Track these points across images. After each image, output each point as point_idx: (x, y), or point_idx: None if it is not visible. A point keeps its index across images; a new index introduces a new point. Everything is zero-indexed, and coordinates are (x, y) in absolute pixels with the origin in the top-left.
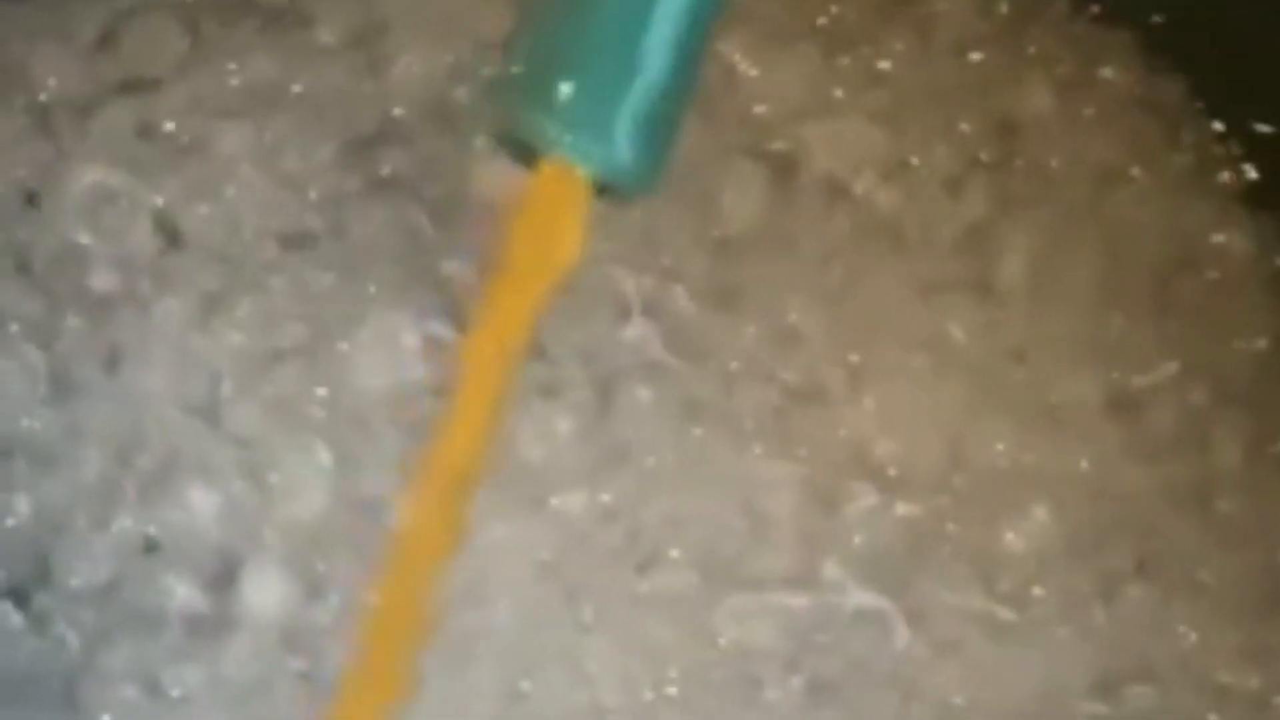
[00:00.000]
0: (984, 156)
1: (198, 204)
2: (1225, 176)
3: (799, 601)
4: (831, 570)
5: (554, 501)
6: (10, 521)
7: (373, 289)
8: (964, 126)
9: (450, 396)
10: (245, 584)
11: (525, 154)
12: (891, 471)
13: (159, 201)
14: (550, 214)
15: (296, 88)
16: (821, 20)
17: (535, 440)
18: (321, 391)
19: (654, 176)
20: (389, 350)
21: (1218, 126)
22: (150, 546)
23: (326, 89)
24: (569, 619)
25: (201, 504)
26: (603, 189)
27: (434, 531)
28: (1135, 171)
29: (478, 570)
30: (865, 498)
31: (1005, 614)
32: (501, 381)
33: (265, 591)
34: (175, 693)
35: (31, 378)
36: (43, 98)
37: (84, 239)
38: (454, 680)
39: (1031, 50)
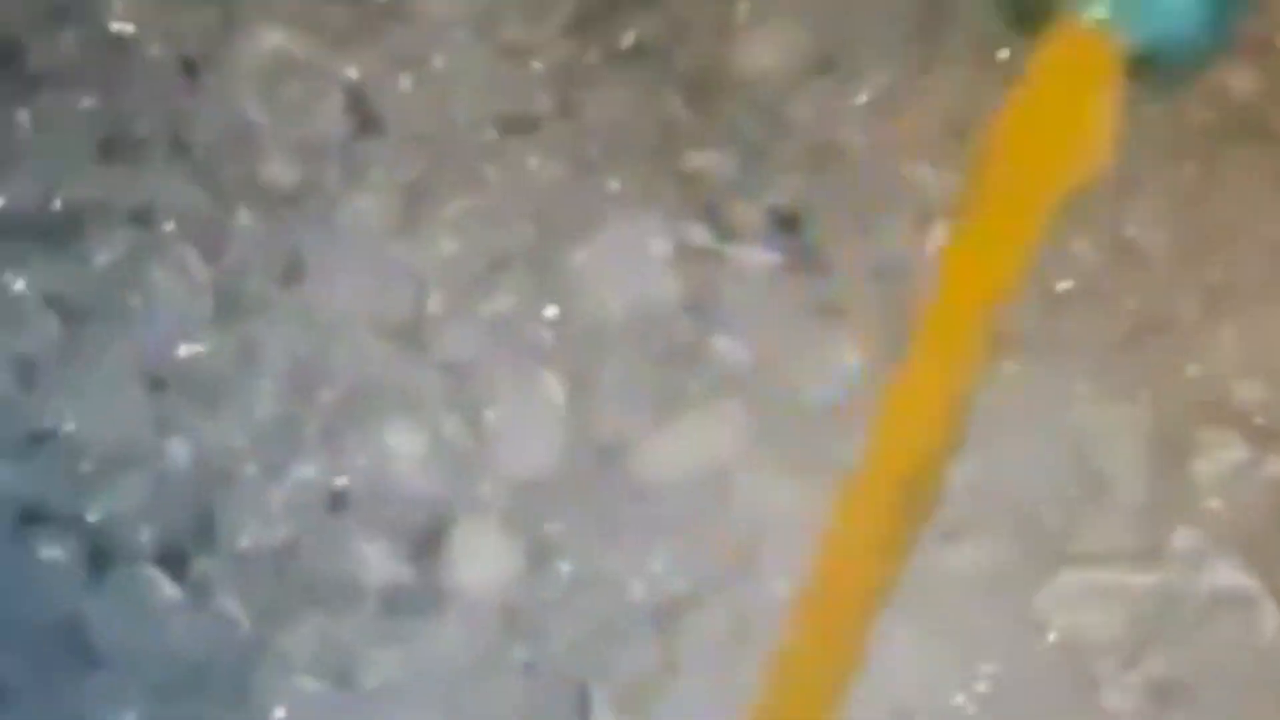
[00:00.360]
0: None
1: (399, 78)
2: None
3: (1142, 581)
4: (1183, 541)
5: (838, 449)
6: (165, 469)
7: (614, 184)
8: None
9: (899, 367)
10: (456, 549)
11: (1028, 17)
12: (1258, 419)
13: (351, 74)
14: (1066, 100)
15: None
16: None
17: (814, 376)
18: (550, 311)
19: (1217, 37)
20: (633, 260)
21: None
22: (338, 501)
23: None
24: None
25: (402, 449)
26: (1139, 63)
27: (864, 564)
28: None
29: (748, 537)
30: (1225, 450)
31: None
32: (977, 348)
33: (481, 559)
34: (369, 684)
35: (192, 291)
36: None
37: (257, 118)
38: (720, 671)
39: None
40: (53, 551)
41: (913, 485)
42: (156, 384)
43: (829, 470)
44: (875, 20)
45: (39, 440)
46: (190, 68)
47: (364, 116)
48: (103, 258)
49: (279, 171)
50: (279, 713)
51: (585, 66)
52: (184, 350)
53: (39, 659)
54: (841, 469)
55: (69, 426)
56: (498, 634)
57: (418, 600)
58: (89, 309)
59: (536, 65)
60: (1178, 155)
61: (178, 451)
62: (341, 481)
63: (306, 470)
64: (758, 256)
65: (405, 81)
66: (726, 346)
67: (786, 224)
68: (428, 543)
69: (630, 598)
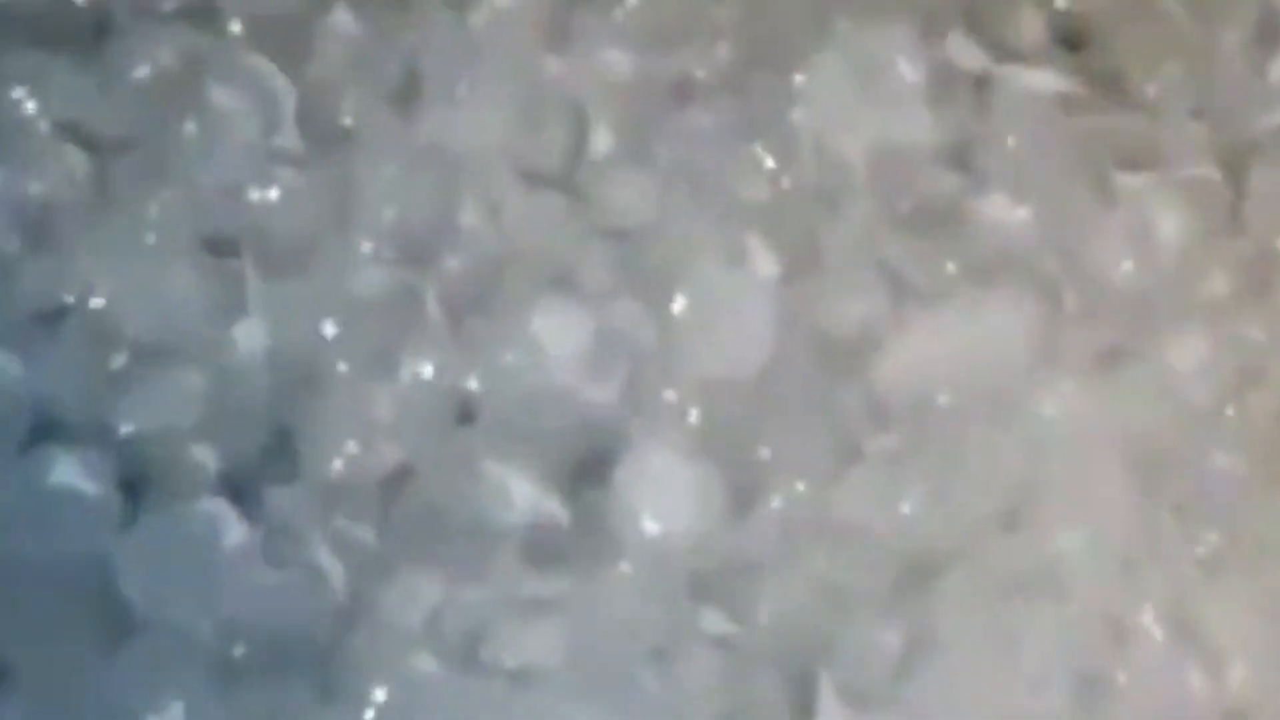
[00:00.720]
0: None
1: None
2: None
3: None
4: None
5: (1150, 349)
6: (229, 364)
7: None
8: None
9: None
10: (629, 481)
11: None
12: None
13: None
14: None
15: None
16: None
17: (1117, 247)
18: (760, 156)
19: None
20: (874, 87)
21: None
22: (467, 413)
23: None
24: (1177, 548)
25: (556, 342)
26: None
27: None
28: None
29: (1025, 462)
30: None
31: None
32: None
33: (663, 494)
34: (505, 663)
35: (269, 118)
36: None
37: None
38: (986, 651)
39: None
40: (72, 476)
41: None
42: (219, 245)
43: (1139, 378)
44: None
45: (56, 320)
46: None
47: None
48: (144, 71)
49: None
50: (379, 696)
51: None
52: (257, 199)
53: (52, 625)
54: (1156, 374)
55: (97, 302)
56: (685, 598)
57: (575, 549)
58: (125, 141)
59: None
60: None
61: (247, 340)
62: (472, 385)
63: (423, 368)
64: (1040, 83)
65: None
66: (999, 207)
67: (1076, 41)
68: (590, 471)
69: (869, 550)
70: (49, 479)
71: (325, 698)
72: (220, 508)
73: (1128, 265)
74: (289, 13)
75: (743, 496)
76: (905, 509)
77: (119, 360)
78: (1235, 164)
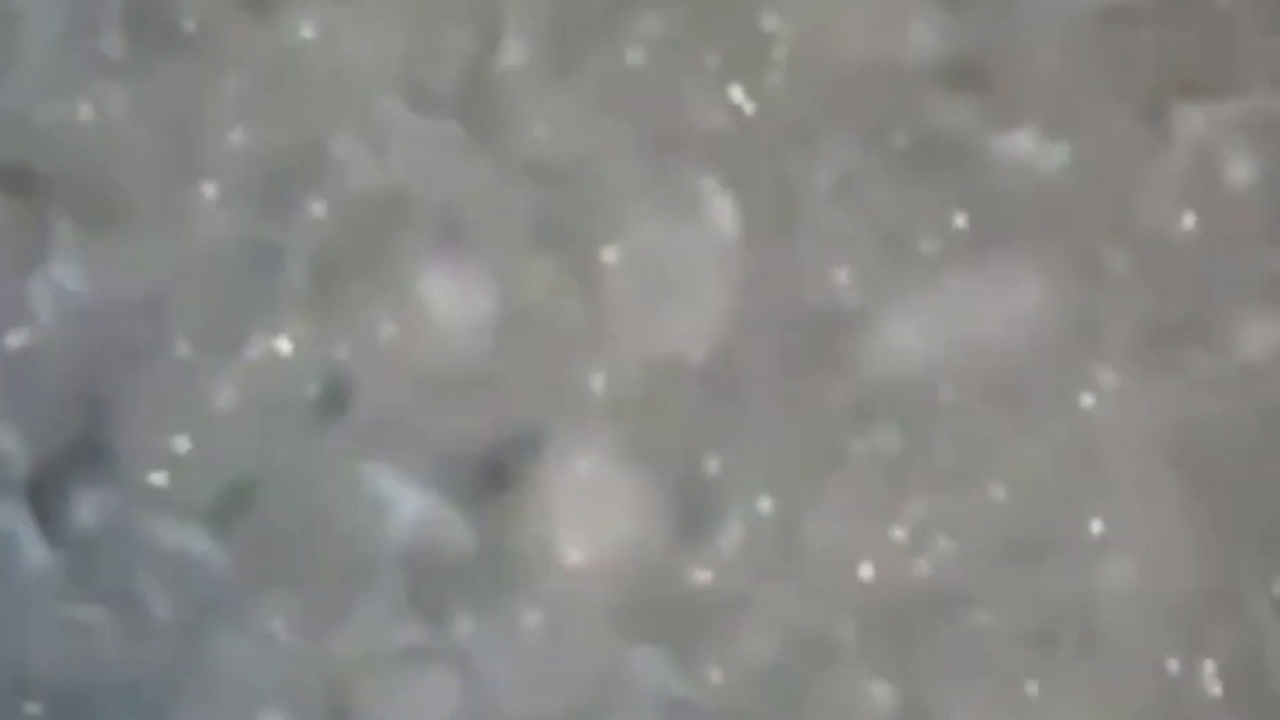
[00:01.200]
0: None
1: None
2: None
3: None
4: None
5: (1215, 328)
6: (30, 334)
7: None
8: None
9: None
10: (543, 491)
11: None
12: None
13: None
14: None
15: None
16: None
17: (1178, 199)
18: (717, 71)
19: None
20: None
21: None
22: (335, 400)
23: None
24: (1247, 585)
25: (449, 304)
26: None
27: None
28: None
29: (1053, 473)
30: None
31: None
32: None
33: (588, 507)
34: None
35: (80, 12)
36: None
37: None
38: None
39: None
40: None
41: None
42: (15, 179)
43: (1201, 366)
44: None
45: None
46: None
47: None
48: None
49: None
50: None
51: None
52: (67, 120)
53: None
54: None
55: None
56: (616, 642)
57: (473, 580)
58: None
59: None
60: None
61: (51, 304)
62: (343, 366)
63: (280, 343)
64: None
65: None
66: (1023, 144)
67: None
68: (495, 478)
69: (852, 585)
70: None
71: None
72: (13, 520)
73: (1188, 221)
74: None
75: (692, 514)
76: (898, 533)
77: None
78: None
